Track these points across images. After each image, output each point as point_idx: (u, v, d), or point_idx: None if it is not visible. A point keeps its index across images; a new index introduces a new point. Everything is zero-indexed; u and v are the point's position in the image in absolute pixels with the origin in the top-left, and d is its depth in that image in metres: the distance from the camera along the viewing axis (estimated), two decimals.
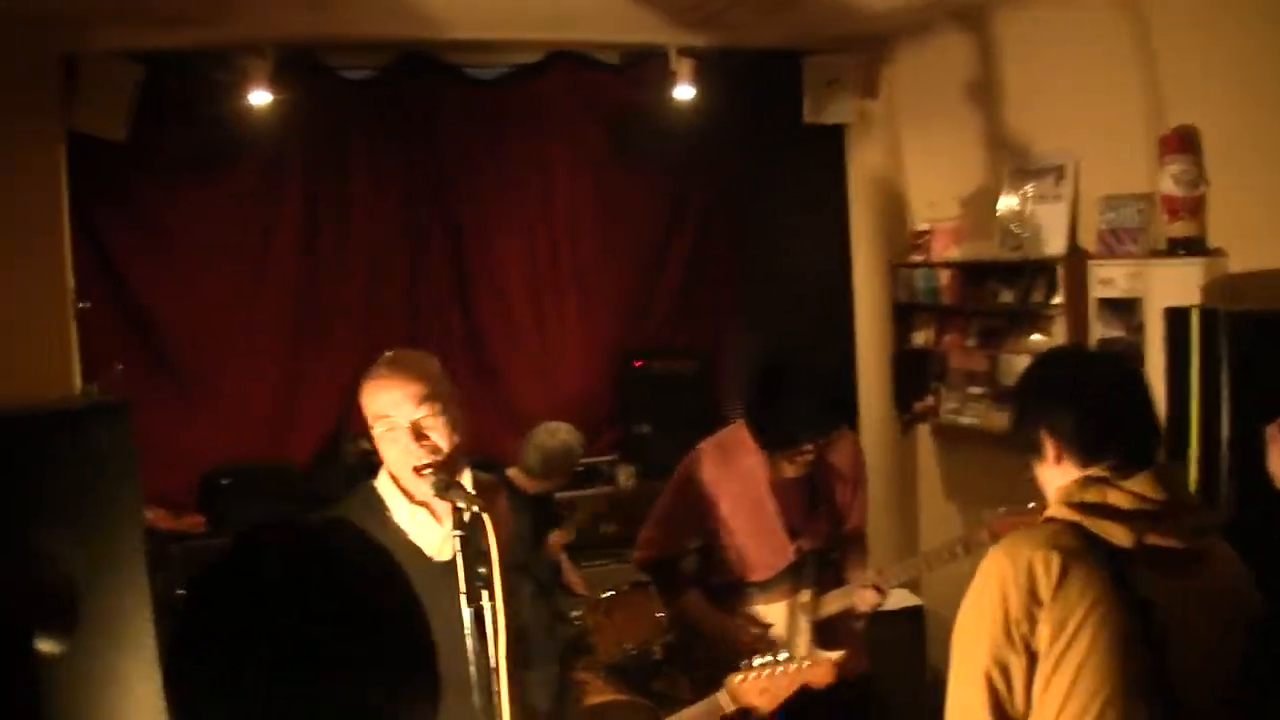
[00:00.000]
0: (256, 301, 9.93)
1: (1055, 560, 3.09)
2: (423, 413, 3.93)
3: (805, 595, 5.78)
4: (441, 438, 3.95)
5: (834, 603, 5.80)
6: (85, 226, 8.88)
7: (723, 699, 4.82)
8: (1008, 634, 3.09)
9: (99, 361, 7.97)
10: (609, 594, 7.88)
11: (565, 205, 10.92)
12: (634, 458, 10.80)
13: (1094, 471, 3.26)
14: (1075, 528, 3.17)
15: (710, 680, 5.24)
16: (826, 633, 5.79)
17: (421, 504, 4.01)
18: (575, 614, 7.90)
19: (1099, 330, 7.44)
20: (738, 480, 5.80)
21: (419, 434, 3.91)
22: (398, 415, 3.90)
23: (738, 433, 5.86)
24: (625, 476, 10.66)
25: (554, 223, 10.95)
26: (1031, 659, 3.10)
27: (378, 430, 3.95)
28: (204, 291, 9.65)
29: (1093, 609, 3.06)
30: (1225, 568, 3.35)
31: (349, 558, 1.99)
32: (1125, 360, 3.74)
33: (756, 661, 4.85)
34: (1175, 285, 6.61)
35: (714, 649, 5.78)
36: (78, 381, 7.55)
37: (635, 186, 11.01)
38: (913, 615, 8.57)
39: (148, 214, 9.43)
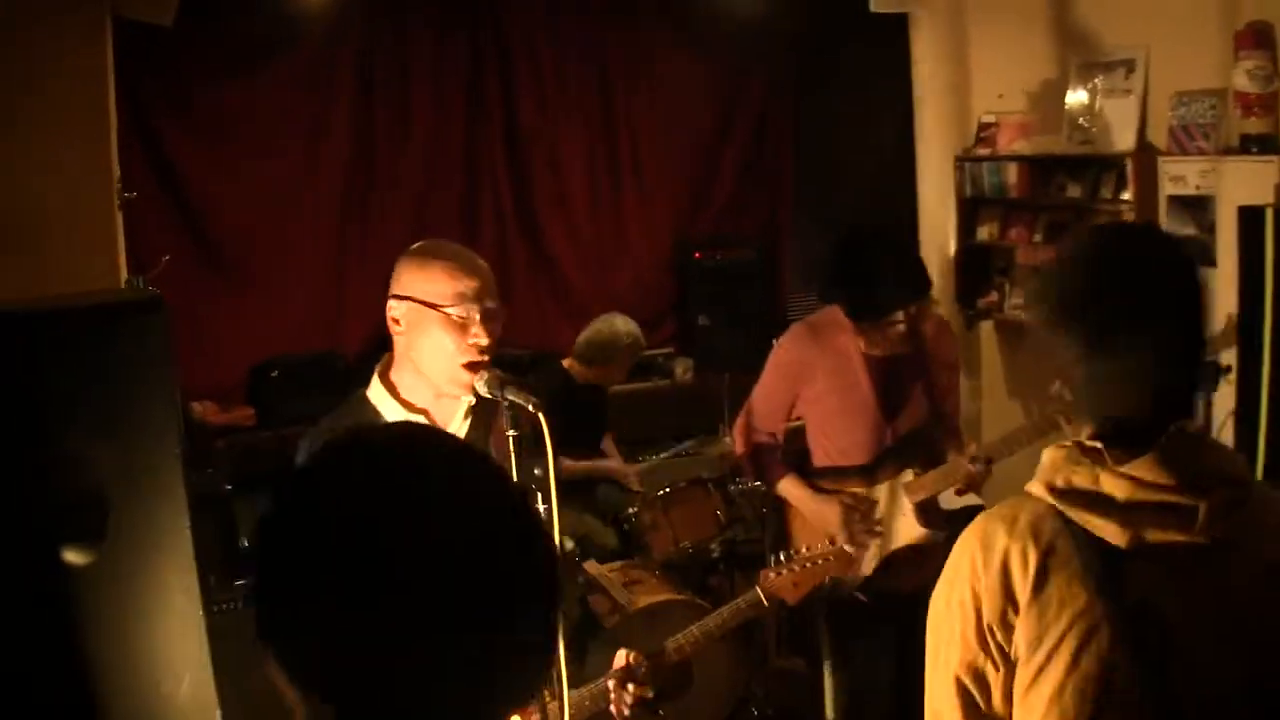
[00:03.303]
0: (308, 191, 9.95)
1: (1032, 557, 2.58)
2: (494, 305, 3.79)
3: (907, 475, 5.76)
4: (496, 334, 3.83)
5: (936, 482, 5.74)
6: (134, 117, 8.84)
7: (758, 595, 4.89)
8: (981, 638, 2.64)
9: (146, 254, 7.93)
10: (666, 490, 7.82)
11: (624, 95, 10.88)
12: (692, 350, 10.76)
13: (1091, 441, 2.63)
14: (1060, 514, 2.61)
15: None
16: (930, 513, 5.78)
17: (421, 410, 3.88)
18: (631, 510, 7.85)
19: (1169, 228, 7.30)
20: (831, 357, 5.76)
21: (488, 327, 3.76)
22: (473, 303, 3.72)
23: (831, 313, 5.80)
24: (683, 369, 10.62)
25: (613, 112, 10.93)
26: (1010, 666, 2.62)
27: (445, 313, 3.71)
28: (255, 182, 9.65)
29: (1075, 622, 2.55)
30: (1260, 547, 2.61)
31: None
32: (1193, 275, 2.70)
33: (784, 557, 4.94)
34: (1248, 184, 6.51)
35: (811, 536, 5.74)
36: (123, 274, 7.50)
37: (696, 75, 10.97)
38: (975, 515, 8.47)
39: (198, 104, 9.43)
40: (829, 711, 5.97)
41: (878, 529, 5.70)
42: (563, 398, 7.79)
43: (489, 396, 3.67)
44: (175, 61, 9.07)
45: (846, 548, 5.36)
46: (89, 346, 3.32)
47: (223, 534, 7.31)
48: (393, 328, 3.80)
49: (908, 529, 5.73)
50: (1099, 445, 2.60)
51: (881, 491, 5.78)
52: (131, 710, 3.31)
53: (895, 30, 9.41)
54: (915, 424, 5.83)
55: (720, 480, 7.93)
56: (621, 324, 8.10)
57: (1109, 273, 2.70)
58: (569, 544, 7.18)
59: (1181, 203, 7.22)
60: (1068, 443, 2.69)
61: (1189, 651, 2.52)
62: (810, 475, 5.89)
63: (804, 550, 4.96)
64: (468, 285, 3.73)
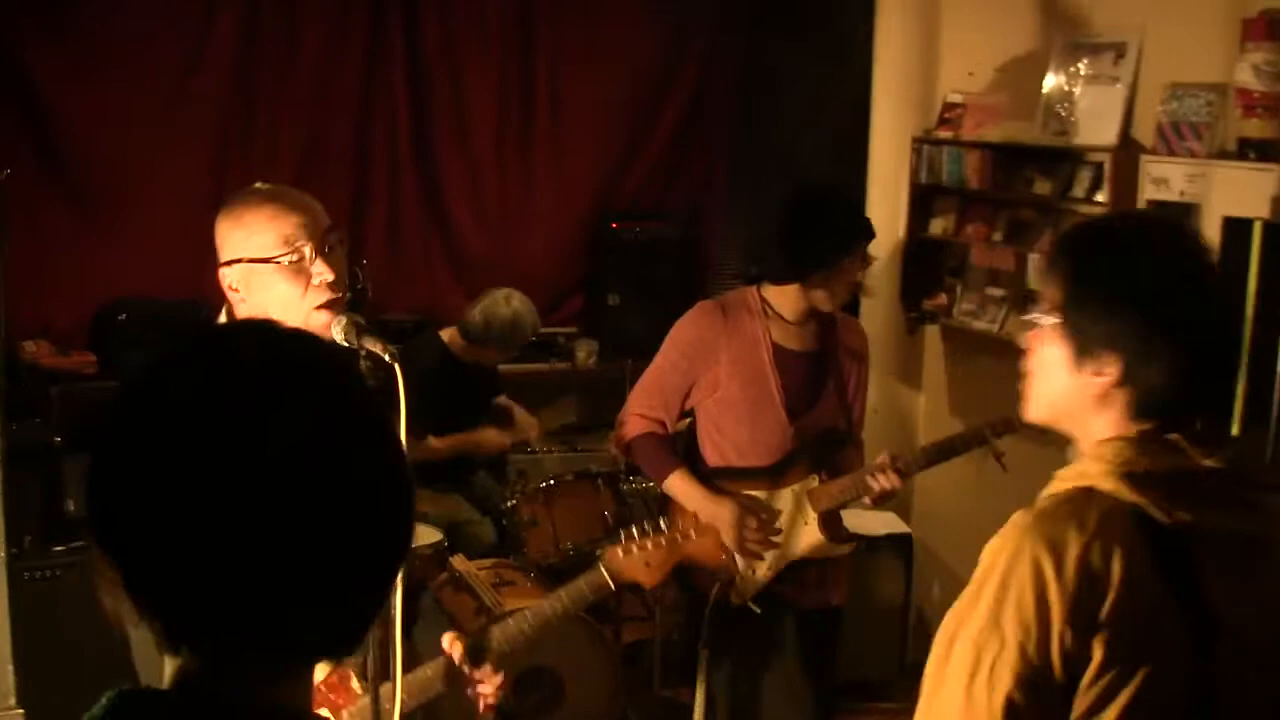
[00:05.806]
0: (180, 117, 9.69)
1: (1118, 559, 2.57)
2: (331, 236, 3.78)
3: (812, 481, 5.76)
4: (344, 272, 3.81)
5: (844, 490, 5.74)
6: None
7: (603, 576, 4.60)
8: (1043, 650, 2.55)
9: None
10: (548, 482, 7.75)
11: (549, 38, 10.73)
12: (597, 332, 10.69)
13: (1152, 430, 2.72)
14: (1132, 510, 2.63)
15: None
16: (833, 525, 5.81)
17: None
18: (508, 503, 7.78)
19: None
20: (738, 342, 5.79)
21: (330, 261, 3.75)
22: (305, 241, 3.72)
23: (742, 294, 5.94)
24: (585, 353, 10.51)
25: (533, 58, 10.75)
26: (1071, 682, 2.57)
27: (278, 263, 3.71)
28: (120, 99, 9.40)
29: (1154, 629, 2.60)
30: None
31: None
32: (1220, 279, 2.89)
33: (636, 533, 4.67)
34: (1240, 193, 6.39)
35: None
36: None
37: (630, 25, 10.80)
38: (900, 543, 8.41)
39: (61, 7, 9.16)
40: None
41: (775, 540, 5.62)
42: (444, 375, 7.74)
43: (345, 345, 3.62)
44: None
45: (737, 557, 5.51)
46: None
47: (47, 492, 7.16)
48: (233, 297, 3.80)
49: (809, 540, 5.70)
50: (1176, 437, 2.71)
51: (785, 497, 5.73)
52: None
53: None
54: (823, 426, 5.85)
55: (612, 476, 7.84)
56: (520, 304, 8.03)
57: (1163, 236, 2.89)
58: (436, 535, 7.12)
59: (1162, 209, 7.05)
60: (1129, 434, 2.73)
61: (1231, 641, 2.66)
62: (704, 476, 5.80)
63: (660, 525, 4.71)
64: (292, 224, 3.74)
